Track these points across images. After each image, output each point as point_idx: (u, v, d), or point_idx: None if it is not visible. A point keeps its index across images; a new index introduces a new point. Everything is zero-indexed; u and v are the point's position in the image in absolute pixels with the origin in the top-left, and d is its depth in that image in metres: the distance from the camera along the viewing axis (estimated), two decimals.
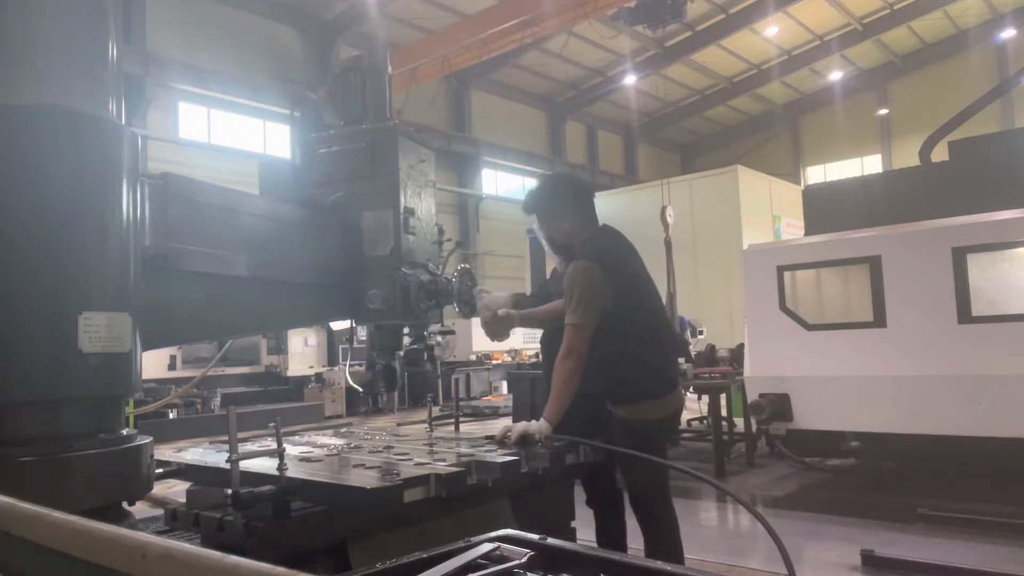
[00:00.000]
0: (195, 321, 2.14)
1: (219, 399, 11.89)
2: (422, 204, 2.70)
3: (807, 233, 6.67)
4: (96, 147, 1.73)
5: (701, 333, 9.25)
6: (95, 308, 1.68)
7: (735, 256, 8.37)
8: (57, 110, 1.69)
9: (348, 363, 3.55)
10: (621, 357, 3.01)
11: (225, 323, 2.32)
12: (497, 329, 3.25)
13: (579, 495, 3.06)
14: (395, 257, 2.51)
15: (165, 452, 2.78)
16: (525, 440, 2.69)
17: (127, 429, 1.87)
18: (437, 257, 2.83)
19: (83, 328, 1.64)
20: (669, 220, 8.93)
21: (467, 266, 2.89)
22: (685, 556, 3.51)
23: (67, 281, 1.66)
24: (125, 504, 1.82)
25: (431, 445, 2.88)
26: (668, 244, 8.70)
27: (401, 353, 2.76)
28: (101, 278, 1.72)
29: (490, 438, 2.86)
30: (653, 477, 3.02)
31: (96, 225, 1.72)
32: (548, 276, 4.16)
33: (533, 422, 2.78)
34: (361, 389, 3.24)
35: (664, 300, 8.88)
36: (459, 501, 2.25)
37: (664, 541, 3.05)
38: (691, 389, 7.81)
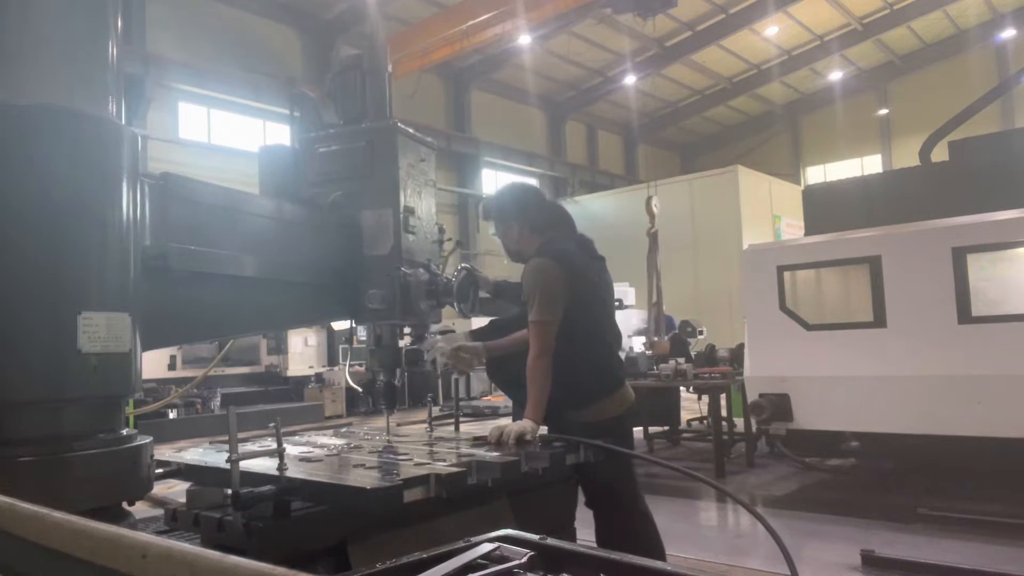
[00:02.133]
0: (195, 321, 2.14)
1: (219, 399, 11.89)
2: (422, 203, 2.69)
3: (807, 233, 6.67)
4: (96, 147, 1.73)
5: (701, 333, 9.25)
6: (95, 308, 1.68)
7: (735, 256, 8.37)
8: (57, 110, 1.69)
9: (348, 363, 3.51)
10: (571, 357, 3.02)
11: (225, 323, 2.32)
12: (464, 362, 3.11)
13: (579, 495, 3.06)
14: (395, 256, 2.50)
15: (165, 452, 2.77)
16: (521, 441, 2.70)
17: (127, 429, 1.87)
18: (437, 256, 2.82)
19: (83, 328, 1.64)
20: (655, 211, 8.86)
21: (468, 265, 2.89)
22: (686, 556, 3.52)
23: (67, 281, 1.66)
24: (125, 504, 1.82)
25: (431, 445, 2.88)
26: (653, 236, 8.61)
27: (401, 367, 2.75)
28: (101, 278, 1.72)
29: (480, 439, 2.85)
30: (621, 477, 3.05)
31: (96, 225, 1.72)
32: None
33: (526, 422, 2.79)
34: (361, 389, 3.22)
35: (650, 293, 8.82)
36: (459, 501, 2.25)
37: (640, 538, 3.07)
38: (691, 389, 7.82)
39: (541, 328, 2.94)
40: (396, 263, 2.49)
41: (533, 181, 24.10)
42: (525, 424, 2.76)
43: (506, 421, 2.91)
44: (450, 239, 2.97)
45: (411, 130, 2.71)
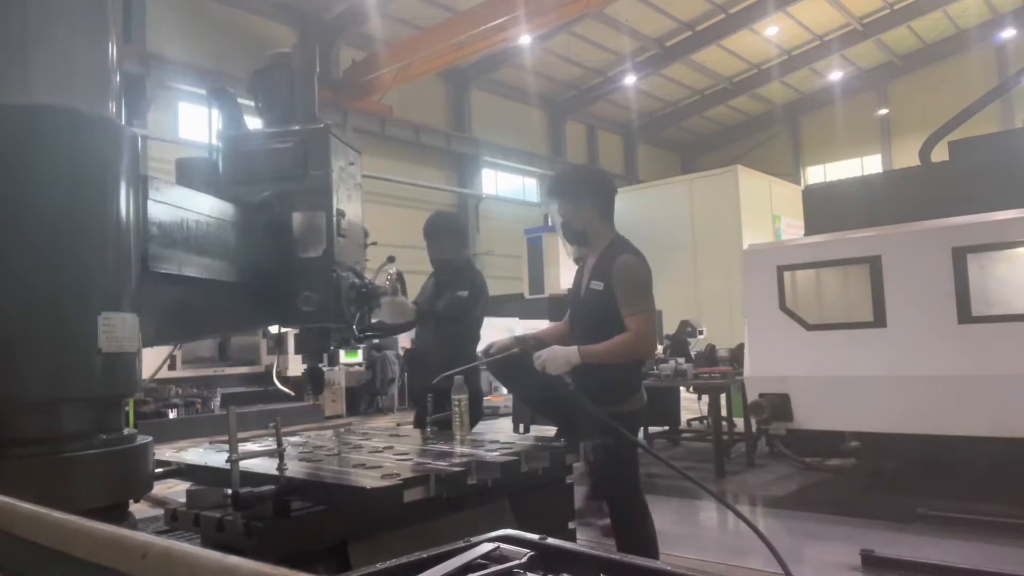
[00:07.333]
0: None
1: (219, 399, 11.88)
2: (351, 207, 2.63)
3: (807, 233, 6.67)
4: (96, 147, 1.73)
5: (701, 333, 9.24)
6: (111, 308, 1.69)
7: (735, 256, 8.37)
8: (57, 110, 1.69)
9: (276, 368, 3.44)
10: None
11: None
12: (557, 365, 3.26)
13: (579, 495, 3.07)
14: (328, 259, 2.44)
15: (165, 452, 2.78)
16: (552, 364, 3.00)
17: (127, 429, 1.87)
18: (363, 260, 2.78)
19: (103, 328, 1.65)
20: None
21: (396, 271, 2.86)
22: (686, 557, 3.53)
23: (89, 282, 1.67)
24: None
25: (431, 445, 2.89)
26: None
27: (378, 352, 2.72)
28: (116, 279, 1.73)
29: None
30: (627, 471, 3.18)
31: (107, 226, 1.72)
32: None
33: (572, 349, 3.05)
34: (291, 393, 3.24)
35: None
36: (459, 501, 2.25)
37: (638, 536, 3.12)
38: (691, 389, 7.82)
39: (647, 319, 3.17)
40: (330, 266, 2.44)
41: (532, 181, 24.17)
42: (571, 351, 3.03)
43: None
44: (374, 243, 2.92)
45: (340, 133, 2.64)
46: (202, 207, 2.15)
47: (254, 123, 2.69)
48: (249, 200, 2.41)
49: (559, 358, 3.03)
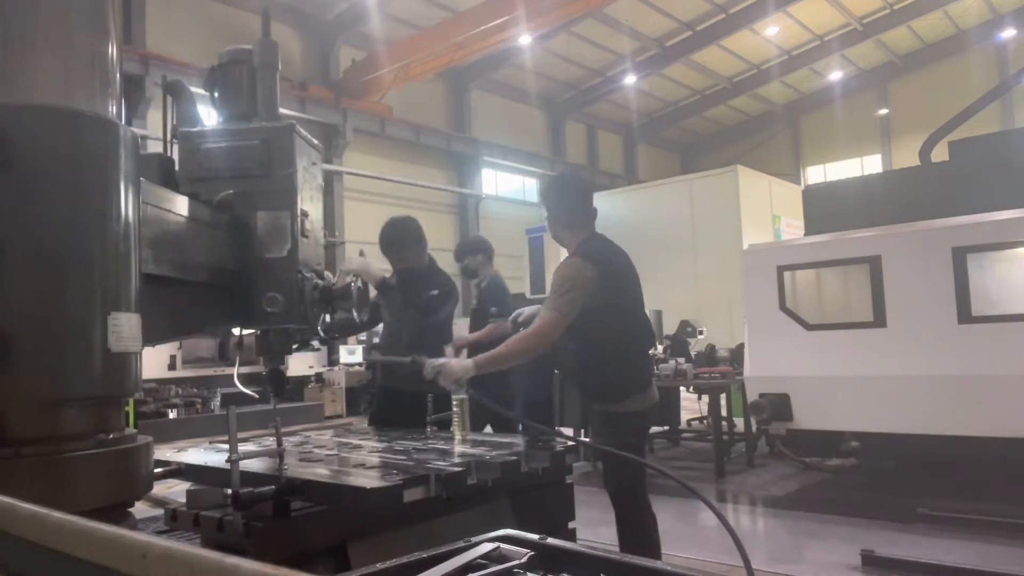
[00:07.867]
0: None
1: (219, 399, 11.89)
2: (313, 207, 2.59)
3: (807, 233, 6.67)
4: (96, 147, 1.73)
5: (701, 333, 9.24)
6: (114, 308, 1.69)
7: (735, 256, 8.37)
8: (57, 110, 1.69)
9: (237, 367, 3.30)
10: (608, 356, 3.16)
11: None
12: (449, 379, 3.07)
13: (579, 495, 3.06)
14: (292, 260, 2.38)
15: (165, 452, 2.78)
16: (445, 376, 2.87)
17: (127, 429, 1.88)
18: (323, 261, 2.76)
19: (112, 328, 1.66)
20: None
21: (358, 271, 2.84)
22: (686, 556, 3.53)
23: (96, 282, 1.67)
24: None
25: (431, 445, 2.88)
26: None
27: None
28: (120, 279, 1.73)
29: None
30: (633, 472, 3.17)
31: (107, 226, 1.72)
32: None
33: (468, 362, 2.95)
34: (255, 393, 3.15)
35: None
36: (459, 501, 2.25)
37: (640, 537, 3.13)
38: (691, 389, 7.82)
39: (552, 317, 3.04)
40: (294, 267, 2.38)
41: (533, 181, 24.16)
42: (467, 363, 2.94)
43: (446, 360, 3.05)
44: (330, 241, 2.90)
45: (304, 132, 2.60)
46: (170, 205, 2.11)
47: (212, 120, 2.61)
48: (209, 199, 2.34)
49: (455, 372, 2.91)
